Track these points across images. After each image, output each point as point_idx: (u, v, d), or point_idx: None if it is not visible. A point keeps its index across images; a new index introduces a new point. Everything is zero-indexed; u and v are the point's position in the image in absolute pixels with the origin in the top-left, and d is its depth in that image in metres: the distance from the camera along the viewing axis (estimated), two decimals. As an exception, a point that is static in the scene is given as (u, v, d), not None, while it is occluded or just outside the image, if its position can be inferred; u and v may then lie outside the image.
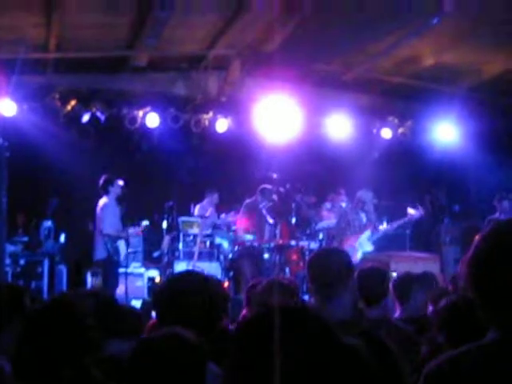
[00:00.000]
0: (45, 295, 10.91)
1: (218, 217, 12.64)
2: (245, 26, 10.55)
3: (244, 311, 5.45)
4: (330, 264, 3.83)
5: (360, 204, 11.63)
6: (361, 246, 11.38)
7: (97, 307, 3.70)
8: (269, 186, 11.82)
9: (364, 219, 11.58)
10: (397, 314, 5.48)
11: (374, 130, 13.77)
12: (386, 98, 13.52)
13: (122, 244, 10.49)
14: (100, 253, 10.41)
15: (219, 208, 12.83)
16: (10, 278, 10.76)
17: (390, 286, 5.42)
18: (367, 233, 11.40)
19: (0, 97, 11.15)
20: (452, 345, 3.11)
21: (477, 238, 2.19)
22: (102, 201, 10.61)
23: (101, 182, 10.69)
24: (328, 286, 3.75)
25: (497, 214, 11.85)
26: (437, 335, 3.66)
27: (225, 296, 3.49)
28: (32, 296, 3.50)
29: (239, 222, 11.87)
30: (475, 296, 2.14)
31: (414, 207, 11.70)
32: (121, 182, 10.65)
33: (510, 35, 10.56)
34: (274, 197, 11.74)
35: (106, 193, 10.63)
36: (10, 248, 11.03)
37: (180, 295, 3.25)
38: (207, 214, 12.09)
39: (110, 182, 10.65)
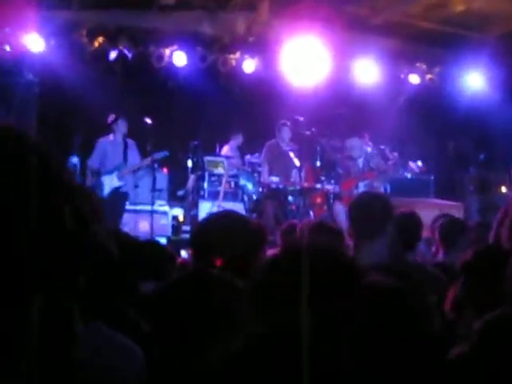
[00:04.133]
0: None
1: (243, 158, 12.67)
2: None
3: (273, 252, 5.39)
4: (372, 209, 3.86)
5: (347, 152, 11.71)
6: (357, 191, 11.38)
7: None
8: (282, 121, 11.83)
9: (360, 165, 11.56)
10: (440, 257, 5.50)
11: (402, 76, 13.65)
12: (415, 44, 13.35)
13: (108, 179, 10.68)
14: None
15: (244, 149, 12.85)
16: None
17: (437, 229, 5.49)
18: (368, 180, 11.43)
19: (28, 32, 11.11)
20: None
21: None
22: (103, 138, 10.96)
23: (108, 120, 10.92)
24: (368, 230, 3.79)
25: None
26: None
27: (263, 237, 3.49)
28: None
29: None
30: None
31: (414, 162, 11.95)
32: (148, 121, 10.68)
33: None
34: (289, 127, 11.74)
35: (111, 131, 10.91)
36: (36, 183, 11.12)
37: (221, 237, 3.25)
38: (231, 155, 12.24)
39: (115, 121, 10.87)
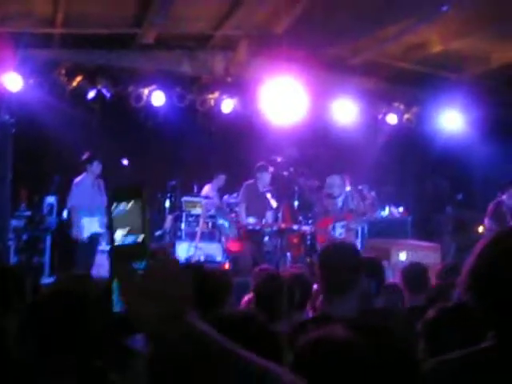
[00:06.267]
0: (46, 271, 11.01)
1: (221, 198, 12.66)
2: (253, 6, 10.49)
3: (247, 296, 5.34)
4: (341, 263, 3.76)
5: (326, 189, 11.66)
6: (333, 231, 11.29)
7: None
8: (263, 163, 11.82)
9: (339, 204, 11.47)
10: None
11: (380, 116, 13.76)
12: (393, 84, 13.46)
13: (88, 221, 10.52)
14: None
15: (223, 189, 12.87)
16: (12, 253, 10.83)
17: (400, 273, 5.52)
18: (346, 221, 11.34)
19: (6, 71, 11.09)
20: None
21: (479, 245, 2.19)
22: (78, 177, 10.76)
23: (82, 158, 10.80)
24: (339, 285, 3.72)
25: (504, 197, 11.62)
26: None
27: (227, 285, 3.49)
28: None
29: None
30: (477, 301, 2.15)
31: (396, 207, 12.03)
32: (125, 162, 10.66)
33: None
34: (270, 171, 11.71)
35: (84, 170, 10.79)
36: (13, 223, 11.07)
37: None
38: (210, 195, 12.21)
39: (88, 161, 10.75)
